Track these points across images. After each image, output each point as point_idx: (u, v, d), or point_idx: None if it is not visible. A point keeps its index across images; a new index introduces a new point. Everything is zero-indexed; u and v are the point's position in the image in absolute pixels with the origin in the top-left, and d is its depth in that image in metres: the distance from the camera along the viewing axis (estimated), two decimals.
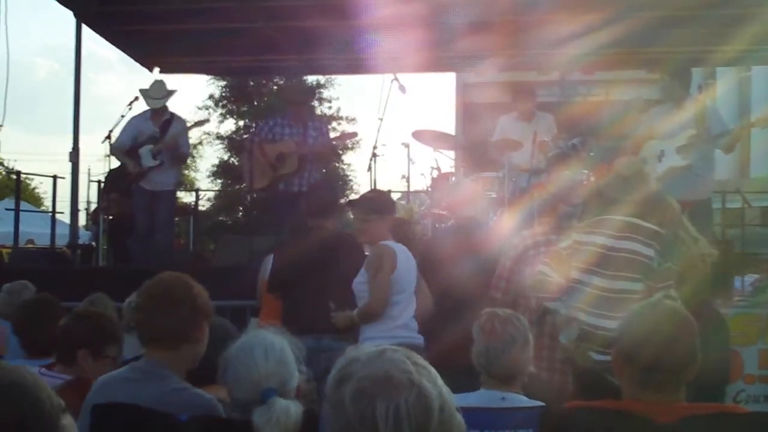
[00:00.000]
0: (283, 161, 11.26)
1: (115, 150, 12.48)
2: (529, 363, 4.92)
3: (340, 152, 33.16)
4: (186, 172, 36.37)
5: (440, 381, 2.40)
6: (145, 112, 12.20)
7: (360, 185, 32.80)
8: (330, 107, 34.43)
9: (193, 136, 31.37)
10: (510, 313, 4.99)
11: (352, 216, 7.54)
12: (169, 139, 11.88)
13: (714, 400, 6.37)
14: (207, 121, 14.44)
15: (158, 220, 12.05)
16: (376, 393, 2.31)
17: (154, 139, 11.86)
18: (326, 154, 12.64)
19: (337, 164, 33.33)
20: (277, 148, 11.31)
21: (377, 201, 7.47)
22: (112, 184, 13.60)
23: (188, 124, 12.70)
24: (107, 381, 4.12)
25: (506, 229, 7.49)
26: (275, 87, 32.78)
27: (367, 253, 7.27)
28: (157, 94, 12.11)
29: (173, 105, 12.26)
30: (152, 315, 4.09)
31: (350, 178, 34.11)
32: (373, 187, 11.49)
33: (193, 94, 72.54)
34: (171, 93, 12.19)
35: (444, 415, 2.34)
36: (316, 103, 33.28)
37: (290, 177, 11.30)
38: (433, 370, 2.42)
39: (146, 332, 4.13)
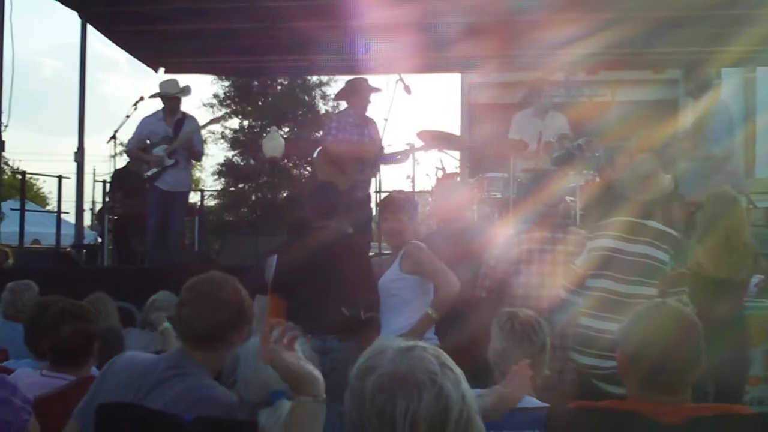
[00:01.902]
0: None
1: (128, 150, 12.54)
2: (545, 367, 4.92)
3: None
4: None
5: (465, 385, 2.41)
6: (156, 112, 12.22)
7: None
8: (333, 106, 34.44)
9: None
10: (531, 316, 4.98)
11: (380, 218, 7.50)
12: (184, 137, 11.93)
13: (734, 400, 6.38)
14: (223, 117, 14.37)
15: (174, 220, 12.09)
16: (397, 390, 2.32)
17: (168, 138, 11.89)
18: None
19: None
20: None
21: (407, 202, 7.52)
22: (117, 184, 13.63)
23: (203, 122, 12.72)
24: (143, 362, 4.08)
25: (500, 235, 7.44)
26: (279, 87, 32.85)
27: (369, 253, 7.27)
28: (171, 88, 12.14)
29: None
30: (200, 313, 4.05)
31: None
32: (378, 188, 11.49)
33: (197, 93, 72.41)
34: (185, 89, 12.23)
35: (462, 420, 2.35)
36: (320, 101, 33.41)
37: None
38: (459, 373, 2.42)
39: (187, 328, 4.10)
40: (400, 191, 9.22)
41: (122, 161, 14.25)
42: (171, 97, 12.09)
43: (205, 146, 12.88)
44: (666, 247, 6.15)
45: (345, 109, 11.31)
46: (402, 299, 7.02)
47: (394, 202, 7.49)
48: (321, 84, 33.60)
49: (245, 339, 4.16)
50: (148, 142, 12.00)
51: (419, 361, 2.39)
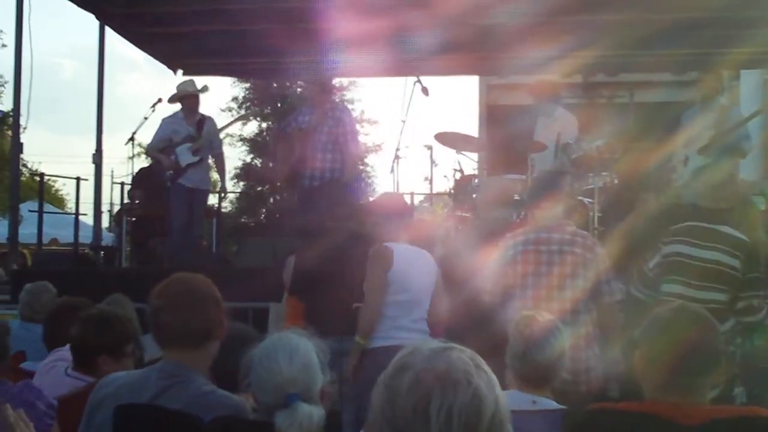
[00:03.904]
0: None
1: (149, 150, 12.65)
2: (562, 370, 4.91)
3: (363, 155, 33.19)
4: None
5: (498, 389, 2.41)
6: (176, 113, 12.31)
7: (382, 187, 32.74)
8: (353, 109, 34.47)
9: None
10: (550, 319, 4.97)
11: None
12: (207, 136, 12.05)
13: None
14: (243, 117, 14.56)
15: (195, 217, 12.23)
16: (433, 387, 2.32)
17: (191, 138, 11.94)
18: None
19: (360, 165, 33.37)
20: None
21: (386, 204, 7.46)
22: (137, 184, 13.67)
23: (221, 125, 12.80)
24: (128, 382, 4.07)
25: (487, 263, 7.31)
26: (299, 89, 32.89)
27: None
28: (189, 87, 12.23)
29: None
30: (178, 315, 3.99)
31: (372, 179, 34.13)
32: (394, 190, 11.49)
33: (217, 96, 72.58)
34: (204, 89, 12.31)
35: (495, 423, 2.35)
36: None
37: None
38: (493, 377, 2.43)
39: (171, 333, 4.03)
40: (388, 193, 9.27)
41: (140, 162, 14.30)
42: (190, 96, 12.15)
43: (223, 149, 12.96)
44: (738, 254, 6.13)
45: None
46: None
47: (372, 204, 7.46)
48: (341, 88, 33.65)
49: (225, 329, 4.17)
50: (171, 140, 12.02)
51: (455, 361, 2.39)
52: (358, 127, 33.51)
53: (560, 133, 11.14)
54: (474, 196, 11.00)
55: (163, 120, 12.32)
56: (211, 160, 13.10)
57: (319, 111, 11.15)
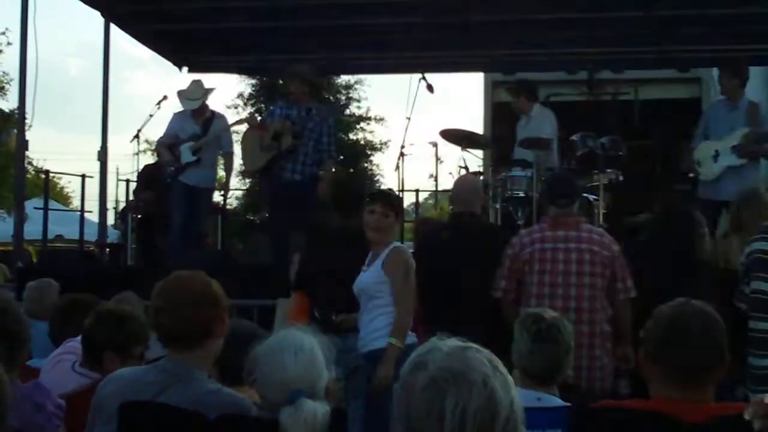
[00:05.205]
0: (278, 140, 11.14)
1: (157, 145, 12.66)
2: (569, 367, 4.90)
3: (369, 153, 33.16)
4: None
5: (515, 391, 2.43)
6: (186, 110, 12.23)
7: (387, 184, 32.67)
8: (359, 107, 34.42)
9: None
10: (556, 317, 4.96)
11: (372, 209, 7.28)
12: (211, 137, 11.99)
13: None
14: (250, 119, 14.53)
15: (199, 218, 12.18)
16: (448, 387, 2.34)
17: (196, 137, 11.90)
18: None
19: (365, 164, 33.34)
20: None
21: (397, 199, 7.46)
22: (143, 182, 13.66)
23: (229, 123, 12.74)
24: (132, 378, 4.07)
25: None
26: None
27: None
28: (193, 95, 12.09)
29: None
30: (177, 314, 4.00)
31: (378, 177, 34.06)
32: (398, 187, 11.50)
33: (223, 92, 72.34)
34: (208, 92, 12.17)
35: (509, 425, 2.36)
36: (345, 99, 33.35)
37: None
38: (510, 379, 2.44)
39: (171, 332, 4.04)
40: (391, 190, 9.28)
41: (146, 159, 14.29)
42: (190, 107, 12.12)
43: (233, 148, 12.86)
44: None
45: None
46: (385, 301, 6.82)
47: (385, 196, 7.40)
48: (348, 87, 33.59)
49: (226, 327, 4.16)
50: (178, 137, 11.99)
51: (473, 362, 2.41)
52: (363, 124, 33.66)
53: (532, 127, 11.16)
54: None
55: (174, 115, 12.23)
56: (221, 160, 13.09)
57: (303, 107, 11.10)
